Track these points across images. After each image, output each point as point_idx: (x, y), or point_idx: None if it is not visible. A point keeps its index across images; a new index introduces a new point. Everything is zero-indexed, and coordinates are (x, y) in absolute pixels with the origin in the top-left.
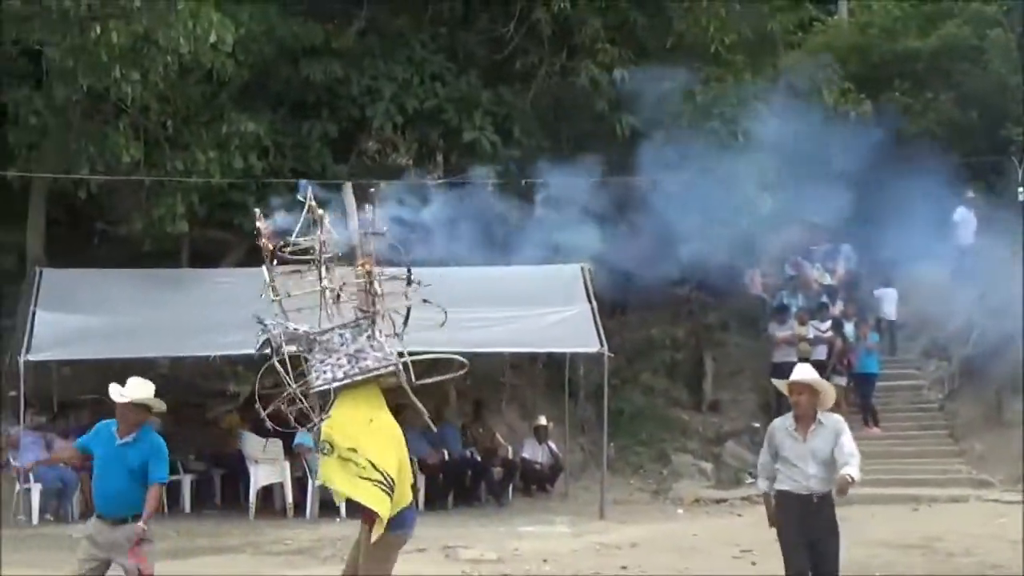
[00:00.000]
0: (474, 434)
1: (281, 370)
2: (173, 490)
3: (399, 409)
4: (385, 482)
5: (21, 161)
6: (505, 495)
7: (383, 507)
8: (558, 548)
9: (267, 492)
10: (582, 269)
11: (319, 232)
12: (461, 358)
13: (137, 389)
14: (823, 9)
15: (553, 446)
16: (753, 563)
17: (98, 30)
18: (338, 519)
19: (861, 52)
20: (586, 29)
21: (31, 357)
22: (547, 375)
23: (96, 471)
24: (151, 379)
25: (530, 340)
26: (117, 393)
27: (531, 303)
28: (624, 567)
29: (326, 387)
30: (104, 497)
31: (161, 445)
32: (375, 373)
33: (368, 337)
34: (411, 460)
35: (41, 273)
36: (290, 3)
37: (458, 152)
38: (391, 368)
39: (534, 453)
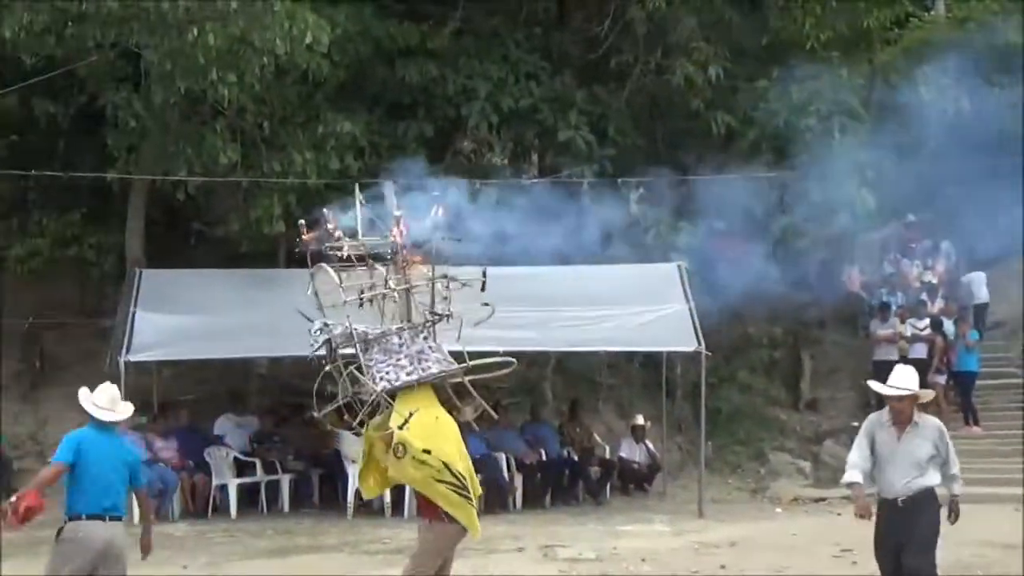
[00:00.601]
0: (571, 433)
1: (336, 373)
2: (272, 489)
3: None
4: (459, 484)
5: (120, 163)
6: (603, 494)
7: (461, 511)
8: (657, 547)
9: None
10: (678, 267)
11: (394, 231)
12: (512, 359)
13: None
14: (920, 5)
15: (651, 445)
16: (854, 562)
17: (195, 33)
18: None
19: (958, 48)
20: (681, 27)
21: (132, 357)
22: (644, 374)
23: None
24: (250, 380)
25: (627, 339)
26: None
27: (627, 302)
28: (723, 566)
29: (402, 385)
30: (100, 492)
31: None
32: (448, 373)
33: (425, 338)
34: (508, 460)
35: (141, 274)
36: (385, 4)
37: (553, 151)
38: (460, 367)
39: (631, 452)
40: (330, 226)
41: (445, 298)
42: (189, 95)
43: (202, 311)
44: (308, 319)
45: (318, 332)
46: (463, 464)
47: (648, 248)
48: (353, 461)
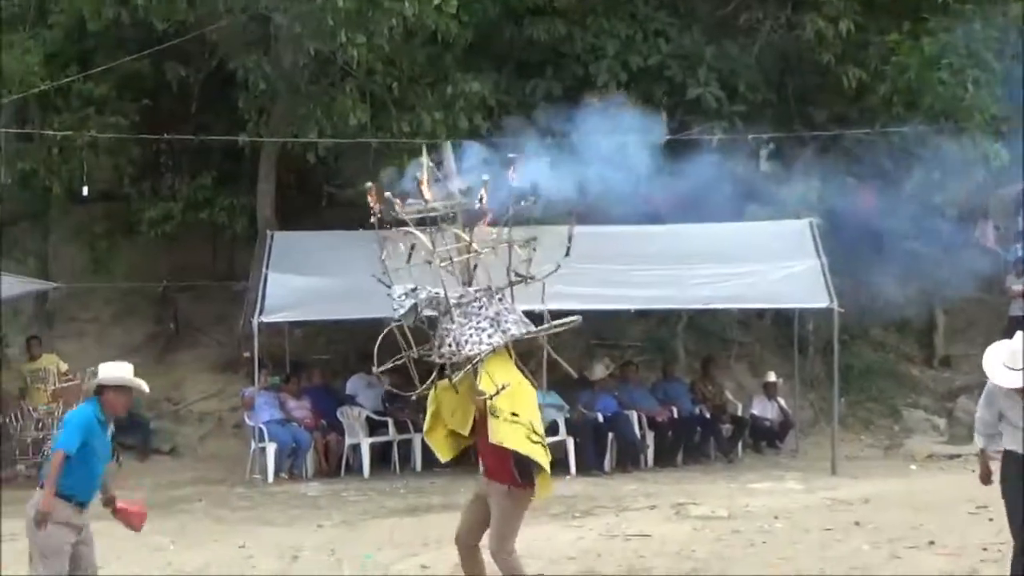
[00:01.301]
0: (703, 391)
1: (400, 337)
2: (404, 448)
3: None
4: (543, 442)
5: (251, 126)
6: (735, 452)
7: (545, 473)
8: (789, 504)
9: None
10: (810, 224)
11: (482, 193)
12: (578, 319)
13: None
14: None
15: (783, 402)
16: (990, 519)
17: None
18: (567, 476)
19: None
20: None
21: (264, 319)
22: (776, 331)
23: (88, 461)
24: (379, 339)
25: (758, 296)
26: (125, 379)
27: (759, 259)
28: (857, 523)
29: (490, 349)
30: (94, 485)
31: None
32: (540, 331)
33: (500, 300)
34: (639, 417)
35: (272, 236)
36: None
37: (683, 109)
38: (541, 329)
39: (763, 409)
40: (370, 199)
41: (528, 260)
42: (318, 57)
43: (333, 272)
44: (386, 284)
45: (403, 297)
46: (540, 427)
47: (779, 205)
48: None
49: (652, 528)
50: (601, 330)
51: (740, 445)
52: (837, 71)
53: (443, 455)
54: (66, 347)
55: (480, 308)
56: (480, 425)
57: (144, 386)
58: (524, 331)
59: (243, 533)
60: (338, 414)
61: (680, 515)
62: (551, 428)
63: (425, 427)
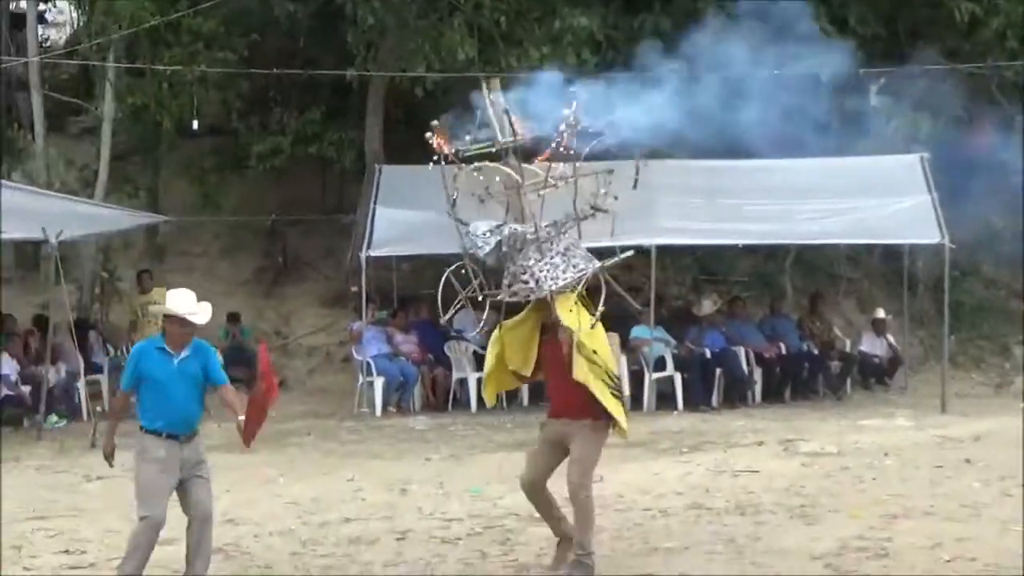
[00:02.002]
0: (811, 327)
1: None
2: None
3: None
4: (617, 385)
5: (359, 61)
6: (843, 388)
7: (619, 411)
8: (899, 441)
9: None
10: (920, 159)
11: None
12: (630, 251)
13: (191, 304)
14: None
15: (892, 339)
16: None
17: None
18: (675, 412)
19: None
20: None
21: (372, 253)
22: (885, 267)
23: (156, 392)
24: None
25: (868, 231)
26: (180, 308)
27: (869, 194)
28: (967, 460)
29: (570, 285)
30: (176, 416)
31: (212, 349)
32: (597, 269)
33: (567, 235)
34: (747, 354)
35: (380, 170)
36: None
37: (793, 42)
38: (608, 263)
39: (872, 346)
40: (434, 139)
41: (605, 192)
42: None
43: (441, 206)
44: (463, 222)
45: (487, 234)
46: (614, 364)
47: (890, 139)
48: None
49: (760, 464)
50: (709, 265)
51: (848, 382)
52: (949, 4)
53: (492, 398)
54: (176, 281)
55: (552, 243)
56: (550, 364)
57: (195, 317)
58: (593, 266)
59: (352, 466)
60: (445, 348)
61: (788, 451)
62: (659, 363)
63: (487, 368)
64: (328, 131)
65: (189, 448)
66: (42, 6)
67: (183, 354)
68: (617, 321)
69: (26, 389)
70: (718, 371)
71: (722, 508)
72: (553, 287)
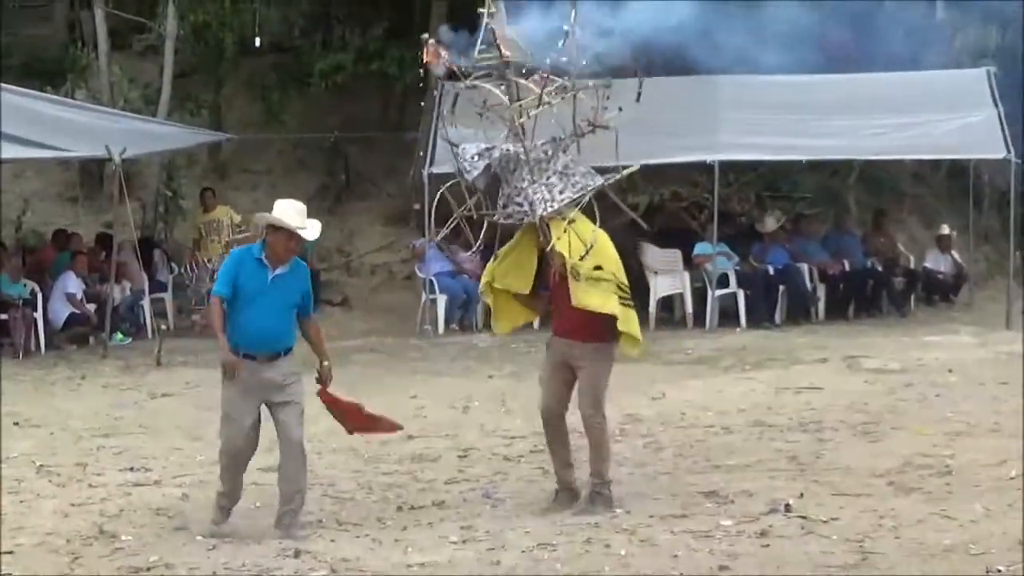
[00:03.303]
0: (875, 244)
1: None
2: None
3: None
4: (627, 295)
5: None
6: (907, 305)
7: (633, 325)
8: (963, 358)
9: (666, 302)
10: (987, 72)
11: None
12: (635, 166)
13: (300, 216)
14: None
15: (956, 255)
16: None
17: None
18: (738, 329)
19: None
20: None
21: (435, 170)
22: (949, 183)
23: (245, 307)
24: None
25: (932, 146)
26: (290, 220)
27: (934, 109)
28: None
29: (568, 203)
30: (257, 335)
31: (309, 276)
32: (597, 187)
33: (565, 151)
34: (811, 270)
35: (443, 87)
36: None
37: None
38: (614, 179)
39: (937, 263)
40: (426, 55)
41: (605, 108)
42: None
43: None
44: (453, 144)
45: (476, 158)
46: (622, 273)
47: (955, 53)
48: (656, 272)
49: (824, 381)
50: (773, 181)
51: (913, 299)
52: None
53: (499, 328)
54: (239, 199)
55: (548, 162)
56: (557, 285)
57: (307, 231)
58: (595, 182)
59: (415, 384)
60: None
61: (852, 368)
62: (722, 280)
63: (483, 293)
64: (391, 48)
65: (272, 370)
66: None
67: (280, 270)
68: (680, 237)
69: (91, 307)
70: (781, 288)
71: (784, 425)
72: (547, 209)
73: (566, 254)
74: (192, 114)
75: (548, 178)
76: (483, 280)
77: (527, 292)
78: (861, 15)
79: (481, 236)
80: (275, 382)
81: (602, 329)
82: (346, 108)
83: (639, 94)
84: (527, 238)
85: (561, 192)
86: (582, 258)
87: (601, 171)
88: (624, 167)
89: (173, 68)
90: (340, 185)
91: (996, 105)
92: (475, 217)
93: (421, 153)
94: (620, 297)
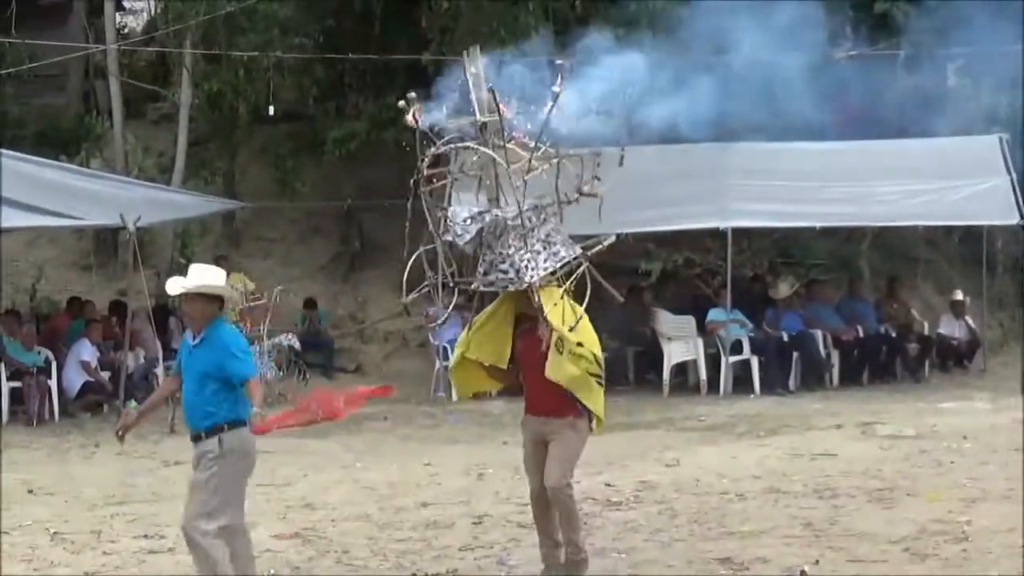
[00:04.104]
0: (889, 310)
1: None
2: None
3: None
4: (601, 374)
5: (434, 45)
6: (921, 371)
7: (598, 404)
8: (978, 424)
9: (680, 368)
10: (999, 140)
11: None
12: (612, 237)
13: (202, 276)
14: None
15: (970, 321)
16: None
17: None
18: (752, 395)
19: None
20: None
21: (448, 237)
22: (963, 249)
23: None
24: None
25: (945, 213)
26: (176, 285)
27: (946, 175)
28: None
29: (549, 274)
30: (186, 410)
31: (233, 339)
32: (579, 256)
33: (544, 221)
34: (824, 336)
35: (457, 155)
36: None
37: (868, 24)
38: (600, 246)
39: (951, 328)
40: (409, 118)
41: (596, 177)
42: None
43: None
44: (442, 208)
45: (468, 221)
46: (598, 347)
47: (968, 120)
48: (669, 338)
49: (838, 447)
50: (786, 248)
51: (927, 365)
52: None
53: (467, 394)
54: (253, 266)
55: (533, 230)
56: (526, 358)
57: (186, 281)
58: (574, 254)
59: (429, 451)
60: None
61: (866, 434)
62: (735, 346)
63: (453, 361)
64: (404, 115)
65: (195, 450)
66: None
67: (197, 341)
68: (693, 304)
69: (106, 375)
70: (795, 354)
71: (800, 491)
72: (534, 277)
73: (557, 324)
74: (206, 182)
75: (533, 245)
76: (457, 350)
77: (502, 365)
78: (874, 82)
79: (453, 301)
80: (195, 464)
81: (569, 404)
82: (360, 175)
83: (621, 158)
84: (504, 308)
85: (545, 261)
86: (571, 329)
87: (584, 239)
88: (604, 237)
89: (187, 136)
90: (354, 252)
91: (1009, 171)
92: (451, 284)
93: (435, 221)
94: (594, 375)
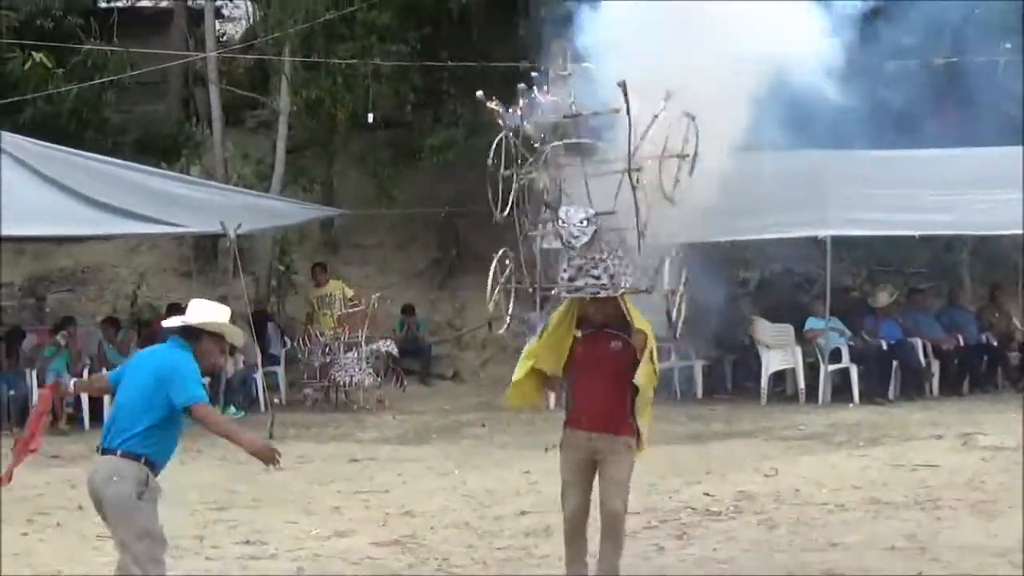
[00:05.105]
0: (990, 319)
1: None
2: (685, 374)
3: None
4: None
5: (532, 52)
6: (1023, 380)
7: (646, 427)
8: None
9: (779, 377)
10: None
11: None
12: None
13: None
14: None
15: None
16: None
17: None
18: (851, 404)
19: None
20: None
21: (546, 245)
22: None
23: None
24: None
25: None
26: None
27: None
28: None
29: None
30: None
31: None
32: (627, 291)
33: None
34: (924, 345)
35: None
36: None
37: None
38: (635, 291)
39: None
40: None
41: (678, 181)
42: None
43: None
44: (552, 207)
45: (584, 222)
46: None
47: None
48: (768, 346)
49: (939, 458)
50: (885, 256)
51: None
52: None
53: (512, 400)
54: (351, 273)
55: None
56: (584, 365)
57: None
58: (630, 283)
59: (527, 458)
60: None
61: (968, 445)
62: (834, 355)
63: (521, 372)
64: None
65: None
66: (220, 1)
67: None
68: (792, 311)
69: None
70: (894, 363)
71: (900, 503)
72: (628, 284)
73: (651, 334)
74: (305, 189)
75: (619, 253)
76: (524, 362)
77: (560, 374)
78: (968, 89)
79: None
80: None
81: (626, 421)
82: (457, 182)
83: (692, 168)
84: (568, 317)
85: (627, 275)
86: (643, 333)
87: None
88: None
89: (286, 144)
90: (451, 259)
91: None
92: (532, 290)
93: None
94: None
